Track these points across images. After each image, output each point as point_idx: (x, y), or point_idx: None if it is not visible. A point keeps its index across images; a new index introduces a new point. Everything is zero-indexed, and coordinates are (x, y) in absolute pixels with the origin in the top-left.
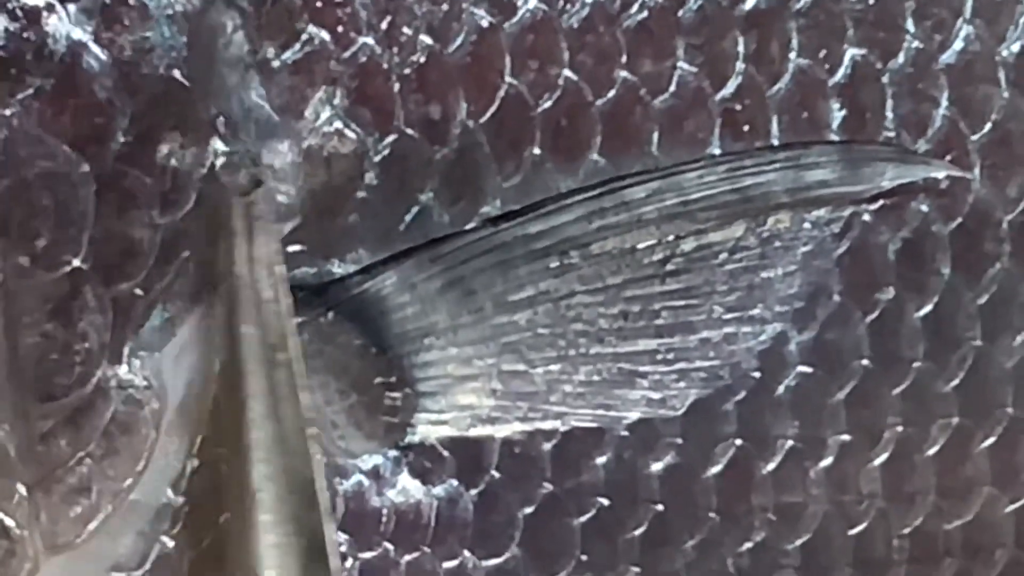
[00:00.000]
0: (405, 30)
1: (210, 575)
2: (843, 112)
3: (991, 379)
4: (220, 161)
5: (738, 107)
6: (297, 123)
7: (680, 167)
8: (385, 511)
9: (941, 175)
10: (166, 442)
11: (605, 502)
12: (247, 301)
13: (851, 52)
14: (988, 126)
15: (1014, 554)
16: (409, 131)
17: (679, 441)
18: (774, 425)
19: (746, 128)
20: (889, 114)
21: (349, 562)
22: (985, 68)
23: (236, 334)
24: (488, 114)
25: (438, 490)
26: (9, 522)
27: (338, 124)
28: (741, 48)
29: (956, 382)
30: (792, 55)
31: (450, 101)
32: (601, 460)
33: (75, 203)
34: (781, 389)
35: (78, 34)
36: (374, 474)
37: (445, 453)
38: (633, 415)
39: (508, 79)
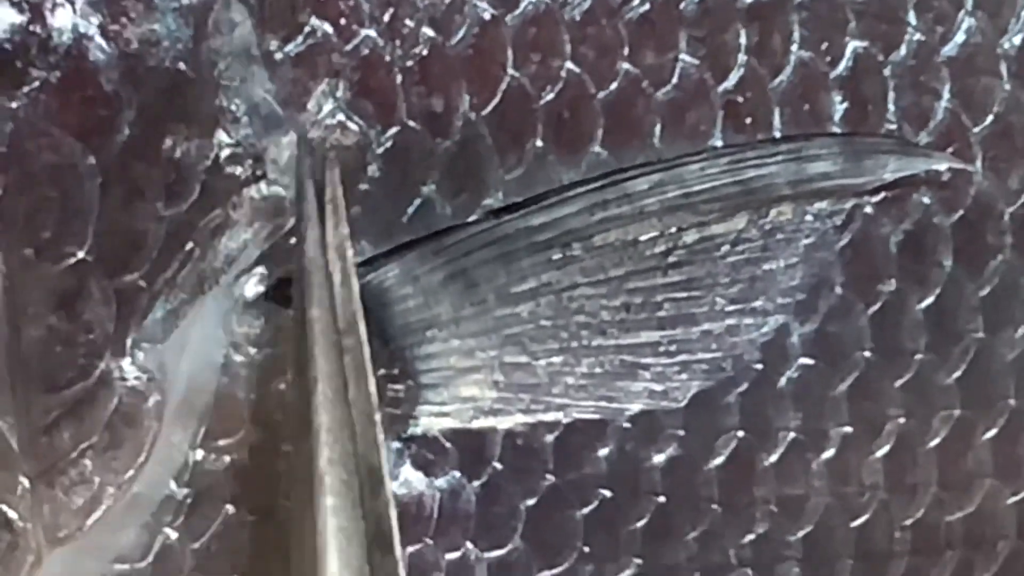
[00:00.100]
0: (407, 22)
1: (272, 558)
2: (845, 104)
3: (993, 371)
4: (224, 153)
5: (740, 99)
6: (300, 116)
7: (682, 159)
8: None
9: (943, 167)
10: (169, 434)
11: (607, 494)
12: (318, 285)
13: (853, 44)
14: (990, 118)
15: (1016, 546)
16: (412, 123)
17: (681, 433)
18: (776, 417)
19: (748, 120)
20: (891, 106)
21: None
22: (987, 60)
23: (307, 317)
24: (490, 106)
25: (441, 482)
26: (12, 514)
27: (341, 116)
28: (743, 40)
29: (958, 374)
30: (794, 47)
31: (452, 93)
32: (603, 452)
33: (79, 195)
34: (783, 381)
35: (84, 26)
36: None
37: (448, 445)
38: (635, 407)
39: (510, 71)
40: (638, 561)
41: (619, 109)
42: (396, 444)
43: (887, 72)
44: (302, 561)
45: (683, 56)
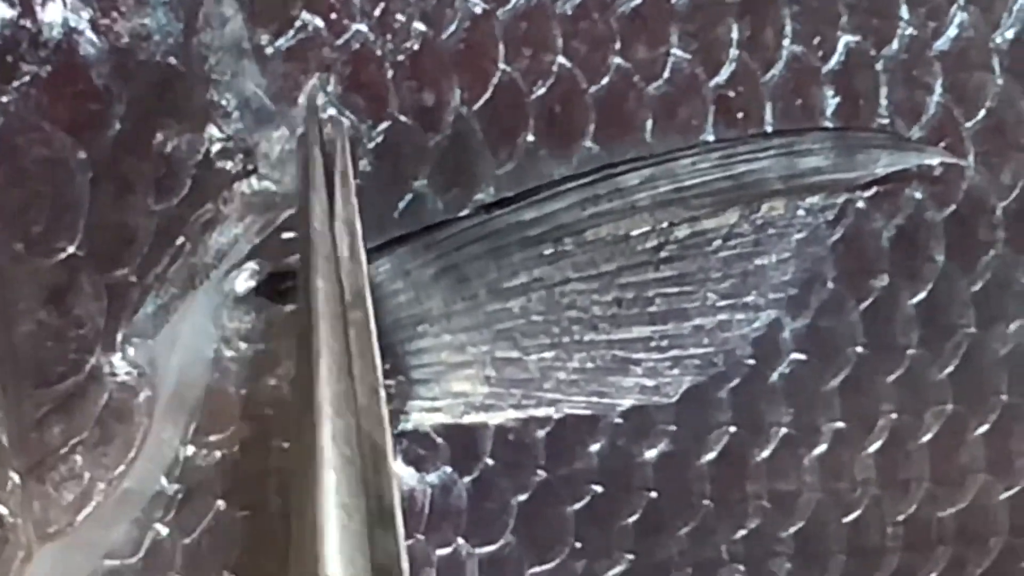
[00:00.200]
0: (399, 17)
1: (263, 553)
2: (837, 99)
3: (985, 366)
4: (215, 148)
5: (732, 94)
6: (291, 110)
7: (674, 154)
8: None
9: (935, 162)
10: (159, 429)
11: (599, 489)
12: (325, 257)
13: (845, 39)
14: (982, 113)
15: (1008, 541)
16: (403, 118)
17: (673, 428)
18: (768, 412)
19: (740, 115)
20: (883, 101)
21: None
22: (979, 55)
23: (312, 288)
24: (482, 101)
25: (432, 477)
26: (2, 510)
27: (331, 111)
28: (735, 35)
29: (950, 369)
30: (786, 42)
31: (444, 88)
32: (595, 447)
33: (70, 190)
34: (775, 376)
35: (74, 20)
36: None
37: (439, 440)
38: (627, 402)
39: (502, 66)
40: (630, 557)
41: (610, 104)
42: None
43: (879, 67)
44: (303, 536)
45: (675, 51)
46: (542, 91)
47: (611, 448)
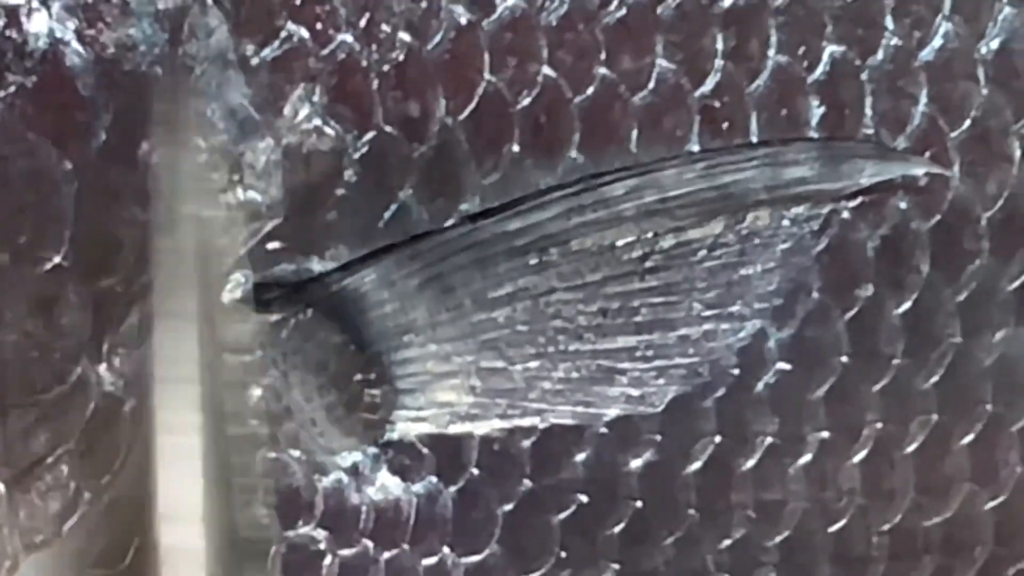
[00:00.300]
0: (384, 27)
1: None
2: (822, 109)
3: (970, 376)
4: (201, 159)
5: (717, 104)
6: (277, 120)
7: (659, 164)
8: (364, 508)
9: (920, 172)
10: (145, 439)
11: (584, 499)
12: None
13: (830, 49)
14: (967, 123)
15: (993, 551)
16: (388, 128)
17: (658, 438)
18: (753, 422)
19: (725, 125)
20: (868, 111)
21: (328, 559)
22: (964, 65)
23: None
24: (467, 111)
25: (417, 487)
26: None
27: (317, 121)
28: (720, 45)
29: (935, 379)
30: (771, 52)
31: (429, 98)
32: (580, 457)
33: (56, 200)
34: (760, 386)
35: (60, 31)
36: (353, 471)
37: (424, 450)
38: (612, 412)
39: (487, 76)
40: (615, 566)
41: (596, 114)
42: (373, 449)
43: (864, 77)
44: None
45: (660, 61)
46: (527, 101)
47: (596, 458)
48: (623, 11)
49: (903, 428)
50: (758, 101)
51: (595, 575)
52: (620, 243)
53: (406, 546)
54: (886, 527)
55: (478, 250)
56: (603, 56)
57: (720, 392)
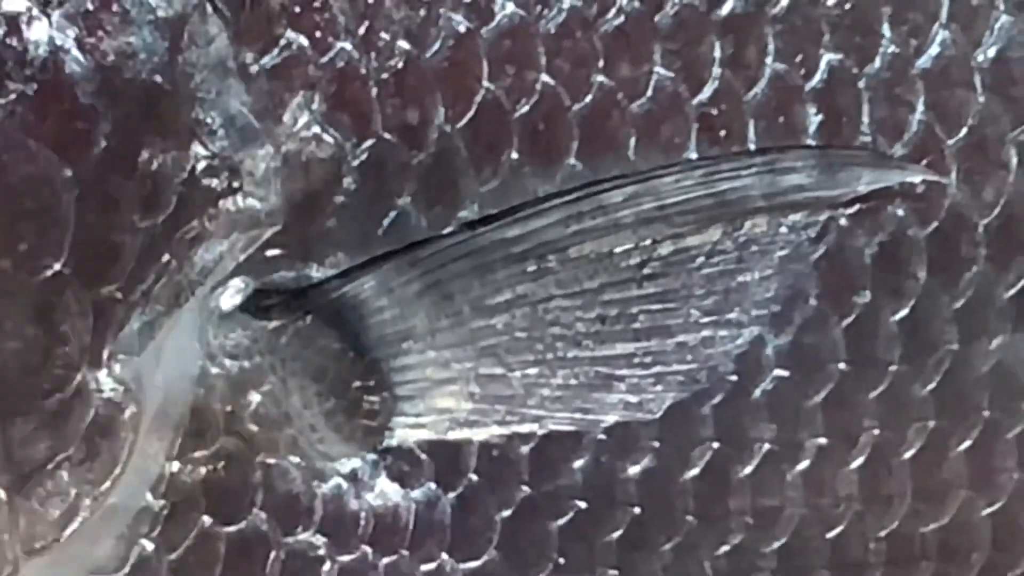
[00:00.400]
0: (383, 35)
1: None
2: (819, 117)
3: (967, 382)
4: (200, 166)
5: (715, 112)
6: (276, 128)
7: (657, 171)
8: (363, 514)
9: (917, 179)
10: (145, 445)
11: (583, 505)
12: None
13: (827, 57)
14: (964, 131)
15: (990, 556)
16: (387, 136)
17: (656, 444)
18: (751, 428)
19: (723, 133)
20: (865, 119)
21: (327, 565)
22: (961, 73)
23: None
24: (466, 119)
25: (416, 493)
26: None
27: (316, 129)
28: (718, 53)
29: (932, 385)
30: (768, 60)
31: (428, 106)
32: (578, 463)
33: (56, 207)
34: (758, 392)
35: (60, 39)
36: (352, 477)
37: (423, 456)
38: (610, 418)
39: (486, 84)
40: (613, 572)
41: (594, 121)
42: (372, 456)
43: (861, 84)
44: None
45: (658, 69)
46: (526, 109)
47: (595, 464)
48: (621, 19)
49: (900, 434)
50: (756, 109)
51: None
52: (618, 250)
53: (405, 552)
54: (883, 533)
55: (477, 257)
56: (601, 64)
57: (718, 399)
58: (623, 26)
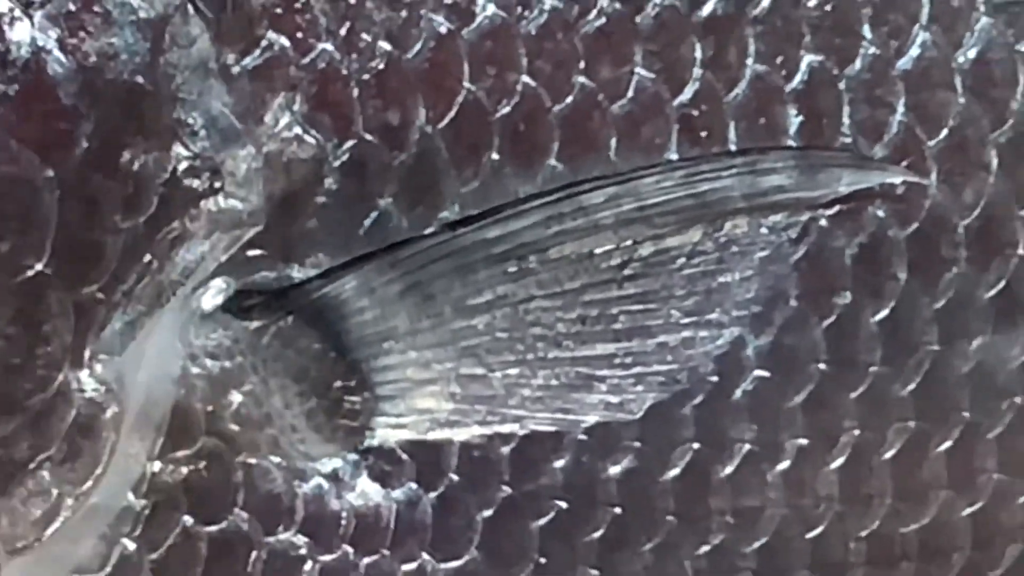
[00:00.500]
0: (364, 36)
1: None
2: (800, 118)
3: (948, 383)
4: (182, 166)
5: (695, 113)
6: (257, 129)
7: (638, 172)
8: (344, 514)
9: (897, 180)
10: (126, 445)
11: (563, 505)
12: None
13: (808, 58)
14: (944, 132)
15: (971, 557)
16: (368, 137)
17: (637, 445)
18: (731, 429)
19: (703, 134)
20: (846, 120)
21: (308, 565)
22: (942, 74)
23: None
24: (447, 120)
25: (397, 493)
26: None
27: (297, 130)
28: (698, 54)
29: (913, 386)
30: (749, 61)
31: (409, 107)
32: (559, 463)
33: (38, 208)
34: (738, 393)
35: (41, 39)
36: (333, 477)
37: (404, 456)
38: (591, 419)
39: (467, 85)
40: (594, 572)
41: (575, 122)
42: (353, 456)
43: (842, 86)
44: None
45: (638, 70)
46: (507, 110)
47: (575, 464)
48: (602, 20)
49: (880, 435)
50: (736, 110)
51: None
52: (599, 251)
53: (386, 552)
54: (864, 533)
55: (458, 258)
56: (582, 65)
57: (698, 399)
58: (604, 27)
